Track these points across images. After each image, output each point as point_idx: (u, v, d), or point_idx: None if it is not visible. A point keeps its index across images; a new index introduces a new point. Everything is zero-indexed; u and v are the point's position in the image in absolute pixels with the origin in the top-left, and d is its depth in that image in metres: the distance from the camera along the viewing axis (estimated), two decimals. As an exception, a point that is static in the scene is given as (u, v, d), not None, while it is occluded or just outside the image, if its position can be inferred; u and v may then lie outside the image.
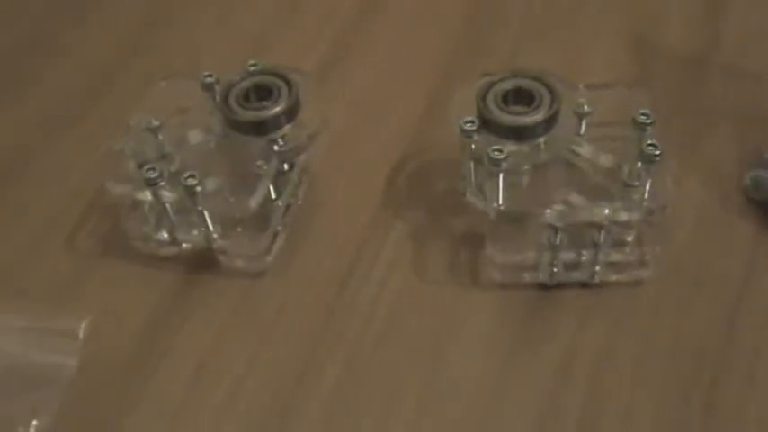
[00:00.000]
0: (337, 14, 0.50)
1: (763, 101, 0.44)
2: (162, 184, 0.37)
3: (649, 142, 0.35)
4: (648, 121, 0.36)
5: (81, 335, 0.36)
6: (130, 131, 0.40)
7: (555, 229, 0.35)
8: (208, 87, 0.40)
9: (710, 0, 0.50)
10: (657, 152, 0.34)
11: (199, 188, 0.36)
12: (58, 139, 0.46)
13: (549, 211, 0.35)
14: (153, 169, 0.37)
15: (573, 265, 0.37)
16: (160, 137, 0.40)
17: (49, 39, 0.51)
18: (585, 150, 0.37)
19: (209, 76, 0.40)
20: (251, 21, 0.51)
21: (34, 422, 0.33)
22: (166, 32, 0.51)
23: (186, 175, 0.36)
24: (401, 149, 0.44)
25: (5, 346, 0.36)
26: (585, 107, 0.38)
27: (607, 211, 0.34)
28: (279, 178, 0.40)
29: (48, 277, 0.40)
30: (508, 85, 0.37)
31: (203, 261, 0.40)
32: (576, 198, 0.36)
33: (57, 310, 0.38)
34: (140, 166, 0.38)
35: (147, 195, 0.38)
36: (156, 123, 0.40)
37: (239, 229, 0.39)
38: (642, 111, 0.36)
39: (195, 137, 0.41)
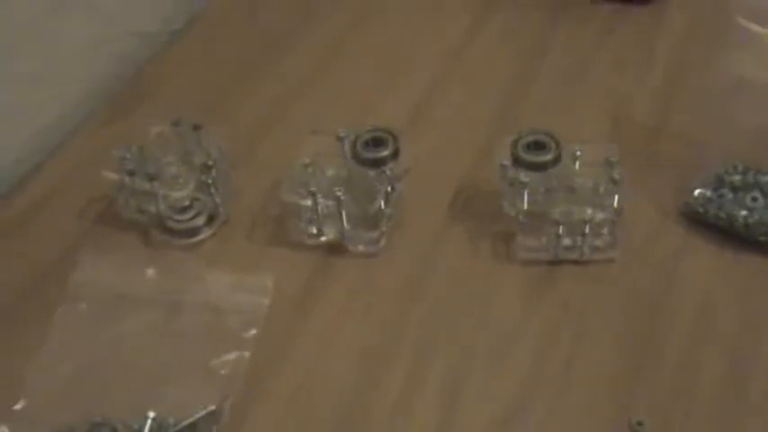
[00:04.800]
0: (416, 88, 0.75)
1: (693, 157, 0.65)
2: (318, 195, 0.61)
3: (615, 173, 0.58)
4: (615, 160, 0.59)
5: (271, 285, 0.59)
6: (292, 167, 0.63)
7: (559, 224, 0.58)
8: (340, 139, 0.64)
9: (666, 90, 0.73)
10: (618, 177, 0.57)
11: (342, 197, 0.60)
12: (243, 163, 0.68)
13: (555, 212, 0.58)
14: (313, 185, 0.61)
15: (570, 248, 0.60)
16: (309, 170, 0.64)
17: (245, 86, 0.76)
18: (578, 179, 0.60)
19: (342, 132, 0.64)
20: (360, 94, 0.75)
21: (253, 331, 0.56)
22: (307, 101, 0.75)
23: (336, 189, 0.60)
24: (461, 181, 0.66)
25: (225, 292, 0.59)
26: (578, 153, 0.61)
27: (589, 211, 0.58)
28: (385, 196, 0.63)
29: (239, 256, 0.63)
30: (530, 138, 0.61)
31: (336, 248, 0.63)
32: (571, 206, 0.59)
33: (250, 273, 0.61)
34: (302, 185, 0.62)
35: (307, 202, 0.61)
36: (307, 161, 0.64)
37: (361, 228, 0.62)
38: (612, 155, 0.60)
39: (330, 170, 0.65)
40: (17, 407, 0.53)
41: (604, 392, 0.54)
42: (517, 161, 0.60)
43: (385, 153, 0.62)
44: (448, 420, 0.53)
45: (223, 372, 0.54)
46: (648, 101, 0.73)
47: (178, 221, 0.64)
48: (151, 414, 0.51)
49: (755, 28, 0.66)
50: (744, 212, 0.60)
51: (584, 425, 0.52)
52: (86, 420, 0.51)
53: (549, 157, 0.59)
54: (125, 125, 0.73)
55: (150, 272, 0.60)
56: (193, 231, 0.65)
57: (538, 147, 0.60)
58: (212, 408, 0.52)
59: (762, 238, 0.59)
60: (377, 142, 0.62)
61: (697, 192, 0.62)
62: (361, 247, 0.63)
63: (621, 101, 0.73)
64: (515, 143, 0.60)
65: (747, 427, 0.52)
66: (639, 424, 0.51)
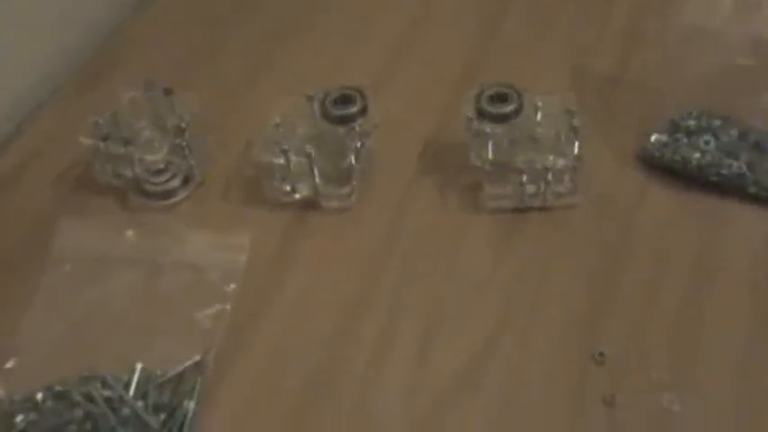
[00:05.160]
0: (382, 48, 0.77)
1: (650, 104, 0.68)
2: (290, 153, 0.63)
3: (575, 120, 0.61)
4: (574, 109, 0.61)
5: (247, 242, 0.61)
6: (264, 128, 0.65)
7: (522, 172, 0.61)
8: (310, 98, 0.66)
9: (625, 40, 0.76)
10: (578, 125, 0.60)
11: (314, 154, 0.62)
12: (215, 126, 0.69)
13: (519, 160, 0.61)
14: (285, 144, 0.63)
15: (534, 196, 0.62)
16: (281, 129, 0.66)
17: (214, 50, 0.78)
18: (540, 127, 0.63)
19: (311, 92, 0.66)
20: (327, 56, 0.77)
21: (232, 285, 0.58)
22: (275, 64, 0.76)
23: (307, 146, 0.62)
24: (428, 134, 0.69)
25: (203, 250, 0.61)
26: (539, 103, 0.63)
27: (551, 158, 0.60)
28: (356, 152, 0.65)
29: (215, 216, 0.65)
30: (492, 91, 0.63)
31: (310, 205, 0.65)
32: (534, 154, 0.61)
33: (226, 232, 0.63)
34: (274, 144, 0.64)
35: (280, 160, 0.63)
36: (277, 121, 0.66)
37: (333, 184, 0.64)
38: (571, 104, 0.62)
39: (301, 129, 0.66)
40: (8, 365, 0.55)
41: (569, 329, 0.57)
42: (481, 113, 0.62)
43: (354, 110, 0.64)
44: (421, 368, 0.56)
45: (206, 324, 0.56)
46: (607, 51, 0.75)
47: (154, 184, 0.66)
48: (139, 365, 0.53)
49: (707, -23, 0.68)
50: (697, 155, 0.62)
51: (550, 359, 0.55)
52: (77, 375, 0.54)
53: (511, 108, 0.62)
54: (96, 93, 0.74)
55: (130, 233, 0.62)
56: (169, 193, 0.66)
57: (500, 99, 0.62)
58: (197, 358, 0.54)
59: (713, 179, 0.62)
60: (345, 100, 0.64)
61: (654, 137, 0.65)
62: (333, 203, 0.65)
63: (581, 52, 0.75)
64: (479, 96, 0.62)
65: (698, 359, 0.55)
66: (601, 354, 0.54)
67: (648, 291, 0.59)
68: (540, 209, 0.63)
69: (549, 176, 0.61)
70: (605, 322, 0.57)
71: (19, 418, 0.51)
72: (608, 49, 0.75)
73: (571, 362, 0.55)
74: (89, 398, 0.52)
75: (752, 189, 0.62)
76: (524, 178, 0.61)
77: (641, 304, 0.58)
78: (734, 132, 0.64)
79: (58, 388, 0.53)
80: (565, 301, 0.58)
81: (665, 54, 0.71)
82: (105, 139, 0.63)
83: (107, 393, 0.52)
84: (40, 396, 0.52)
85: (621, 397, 0.52)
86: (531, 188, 0.62)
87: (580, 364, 0.55)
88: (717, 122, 0.64)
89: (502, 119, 0.62)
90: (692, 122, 0.64)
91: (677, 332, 0.56)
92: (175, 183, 0.66)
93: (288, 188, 0.65)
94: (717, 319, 0.57)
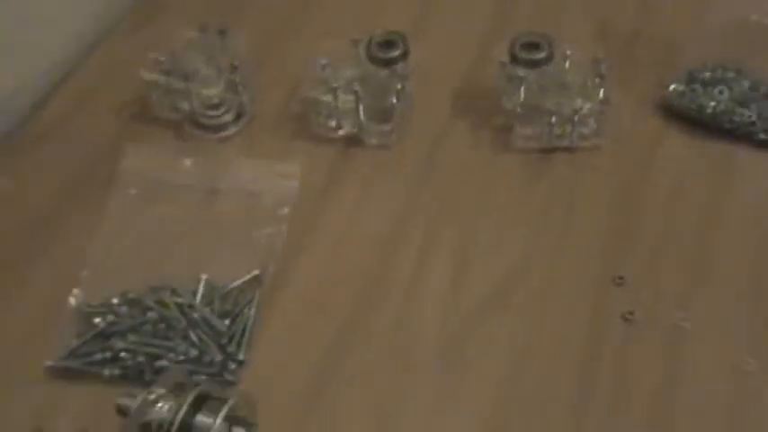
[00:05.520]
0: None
1: (668, 56, 0.73)
2: (339, 90, 0.68)
3: (601, 68, 0.66)
4: (600, 57, 0.67)
5: (298, 171, 0.66)
6: (312, 67, 0.70)
7: (552, 114, 0.66)
8: (355, 42, 0.71)
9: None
10: (605, 72, 0.65)
11: (360, 93, 0.67)
12: (264, 66, 0.75)
13: (548, 103, 0.66)
14: (333, 82, 0.68)
15: (560, 137, 0.68)
16: (327, 70, 0.71)
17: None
18: (569, 73, 0.68)
19: (356, 37, 0.71)
20: (367, 2, 0.82)
21: (285, 209, 0.64)
22: (318, 9, 0.81)
23: (354, 84, 0.67)
24: (462, 79, 0.74)
25: (257, 177, 0.66)
26: (568, 52, 0.68)
27: (579, 101, 0.66)
28: (397, 93, 0.70)
29: (265, 149, 0.70)
30: (525, 39, 0.68)
31: (353, 141, 0.70)
32: (563, 98, 0.67)
33: (278, 162, 0.68)
34: (321, 83, 0.69)
35: (327, 98, 0.68)
36: (323, 62, 0.71)
37: (374, 123, 0.70)
38: (599, 53, 0.67)
39: (346, 70, 0.71)
40: (84, 274, 0.61)
41: (591, 257, 0.63)
42: (514, 59, 0.67)
43: (397, 53, 0.69)
44: (453, 290, 0.61)
45: (263, 243, 0.62)
46: (629, 7, 0.80)
47: (209, 117, 0.71)
48: (204, 276, 0.59)
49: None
50: (712, 104, 0.68)
51: (573, 283, 0.61)
52: (146, 285, 0.59)
53: (543, 55, 0.67)
54: (150, 33, 0.79)
55: (188, 161, 0.68)
56: (222, 127, 0.72)
57: (533, 46, 0.67)
58: (256, 272, 0.60)
59: (726, 126, 0.68)
60: (389, 44, 0.69)
61: (672, 87, 0.70)
62: (375, 140, 0.70)
63: (605, 8, 0.80)
64: (513, 43, 0.68)
65: (709, 284, 0.61)
66: (620, 278, 0.60)
67: (664, 225, 0.64)
68: (566, 149, 0.68)
69: (576, 119, 0.66)
70: (625, 252, 0.63)
71: (97, 320, 0.57)
72: (629, 5, 0.80)
73: (592, 284, 0.61)
74: (161, 303, 0.57)
75: (761, 136, 0.67)
76: (553, 120, 0.66)
77: (658, 237, 0.64)
78: (746, 84, 0.69)
79: (131, 295, 0.59)
80: (587, 234, 0.64)
81: (683, 10, 0.76)
82: (167, 73, 0.69)
83: (177, 300, 0.58)
84: (115, 301, 0.58)
85: (639, 313, 0.58)
86: (557, 130, 0.67)
87: (601, 286, 0.61)
88: (730, 74, 0.69)
89: (534, 64, 0.67)
90: (707, 74, 0.70)
91: (690, 261, 0.62)
92: (228, 117, 0.72)
93: (333, 124, 0.70)
94: (726, 250, 0.62)
